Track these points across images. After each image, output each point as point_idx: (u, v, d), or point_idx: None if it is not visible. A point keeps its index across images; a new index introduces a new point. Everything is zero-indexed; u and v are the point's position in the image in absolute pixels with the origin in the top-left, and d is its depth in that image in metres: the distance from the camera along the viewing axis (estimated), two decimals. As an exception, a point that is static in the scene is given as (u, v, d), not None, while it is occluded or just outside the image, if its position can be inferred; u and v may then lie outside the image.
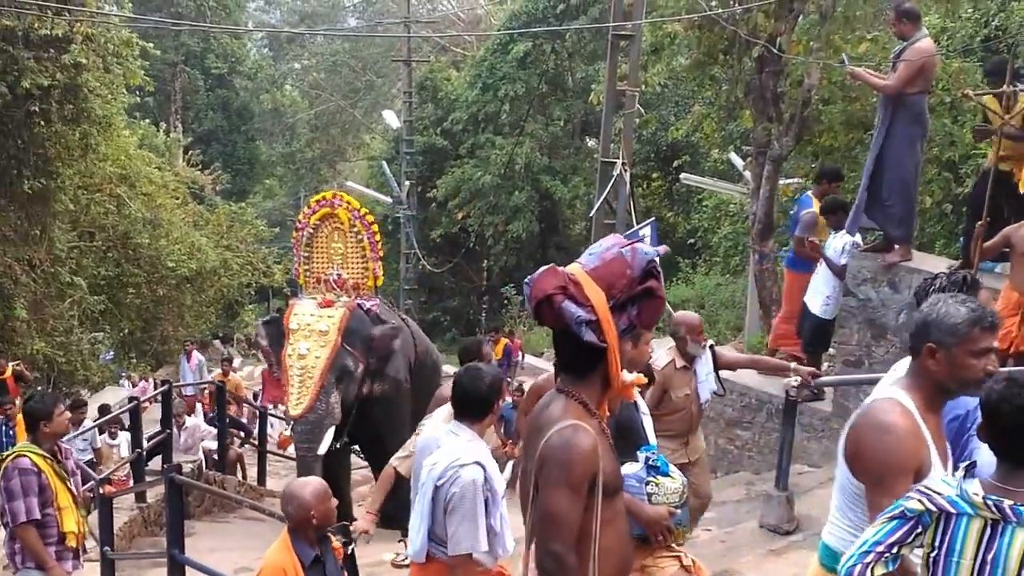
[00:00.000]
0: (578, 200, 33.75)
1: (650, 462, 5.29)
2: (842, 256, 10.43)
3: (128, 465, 13.76)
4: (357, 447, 13.08)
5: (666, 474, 5.31)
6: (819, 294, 10.73)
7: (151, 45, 21.17)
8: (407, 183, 34.57)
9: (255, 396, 20.91)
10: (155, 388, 18.44)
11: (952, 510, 3.33)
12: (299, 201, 53.77)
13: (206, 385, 18.96)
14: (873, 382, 5.04)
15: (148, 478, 12.22)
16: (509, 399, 13.75)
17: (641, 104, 17.81)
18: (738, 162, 20.95)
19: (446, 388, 7.20)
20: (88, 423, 14.46)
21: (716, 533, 8.76)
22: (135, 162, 23.75)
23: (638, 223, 15.66)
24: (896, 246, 9.94)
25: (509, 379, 18.20)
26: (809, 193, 11.65)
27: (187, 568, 7.47)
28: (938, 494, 3.37)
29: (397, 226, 36.03)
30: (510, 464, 8.15)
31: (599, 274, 3.74)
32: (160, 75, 39.24)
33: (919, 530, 3.39)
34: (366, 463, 13.67)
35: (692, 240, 26.68)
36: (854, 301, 10.20)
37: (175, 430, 14.52)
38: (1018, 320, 8.08)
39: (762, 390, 11.41)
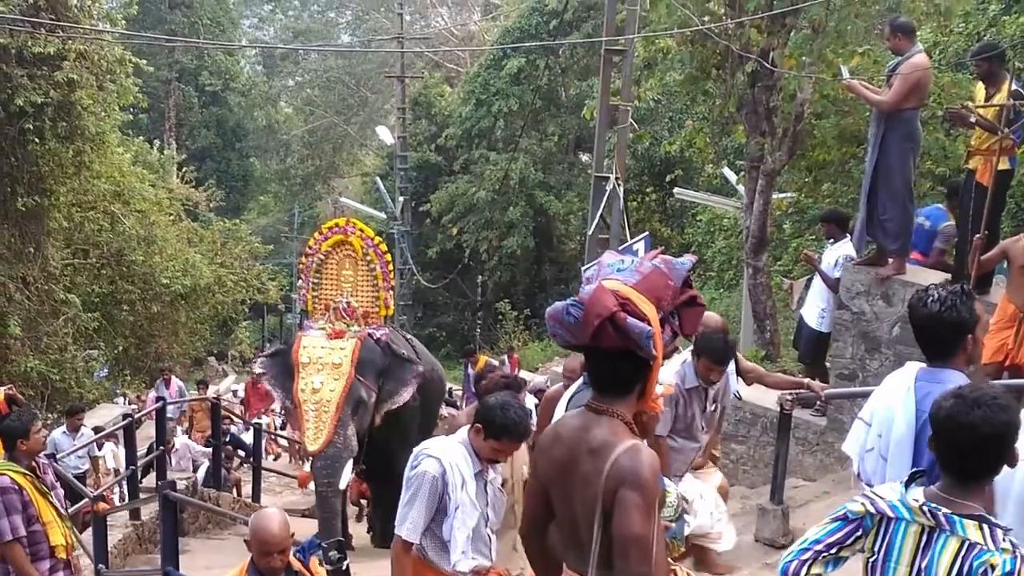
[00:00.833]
0: (572, 215, 33.76)
1: None
2: (835, 269, 10.44)
3: (114, 476, 13.78)
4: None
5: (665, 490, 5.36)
6: (815, 307, 10.77)
7: (144, 62, 21.19)
8: (401, 199, 34.56)
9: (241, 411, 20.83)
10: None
11: (891, 514, 3.35)
12: (293, 218, 53.81)
13: (187, 407, 19.04)
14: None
15: (142, 495, 12.19)
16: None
17: (635, 119, 17.83)
18: (732, 176, 20.98)
19: (461, 417, 7.29)
20: (88, 434, 14.48)
21: (711, 547, 8.74)
22: (129, 179, 23.74)
23: (632, 238, 15.66)
24: (890, 260, 9.95)
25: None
26: (940, 206, 11.49)
27: (182, 585, 7.44)
28: (881, 498, 3.39)
29: (391, 242, 35.95)
30: None
31: (644, 288, 3.74)
32: (154, 92, 39.28)
33: (859, 533, 3.42)
34: None
35: (687, 254, 26.71)
36: (848, 315, 10.20)
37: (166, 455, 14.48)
38: (1013, 333, 8.08)
39: (757, 404, 11.39)
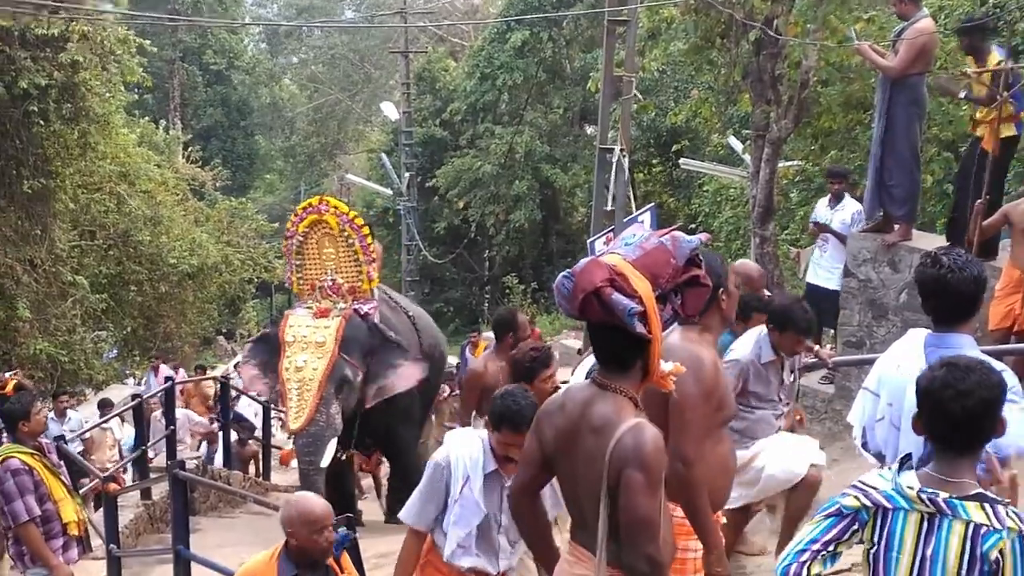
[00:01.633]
0: (578, 188, 33.72)
1: None
2: (852, 227, 10.42)
3: (118, 452, 13.82)
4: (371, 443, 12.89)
5: None
6: (833, 270, 10.67)
7: (148, 42, 21.14)
8: (407, 175, 34.53)
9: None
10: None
11: (888, 505, 3.29)
12: (299, 196, 53.72)
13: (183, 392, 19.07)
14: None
15: (152, 475, 12.22)
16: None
17: (639, 90, 17.77)
18: (737, 146, 20.91)
19: None
20: (75, 417, 14.54)
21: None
22: (134, 160, 23.71)
23: (638, 209, 15.63)
24: (896, 226, 9.91)
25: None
26: None
27: (193, 564, 7.45)
28: (874, 489, 3.33)
29: (398, 218, 36.00)
30: None
31: (643, 264, 3.73)
32: (158, 72, 39.19)
33: (855, 527, 3.35)
34: None
35: (693, 225, 26.63)
36: (854, 282, 10.17)
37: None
38: (1020, 298, 8.04)
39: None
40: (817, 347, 8.48)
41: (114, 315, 22.97)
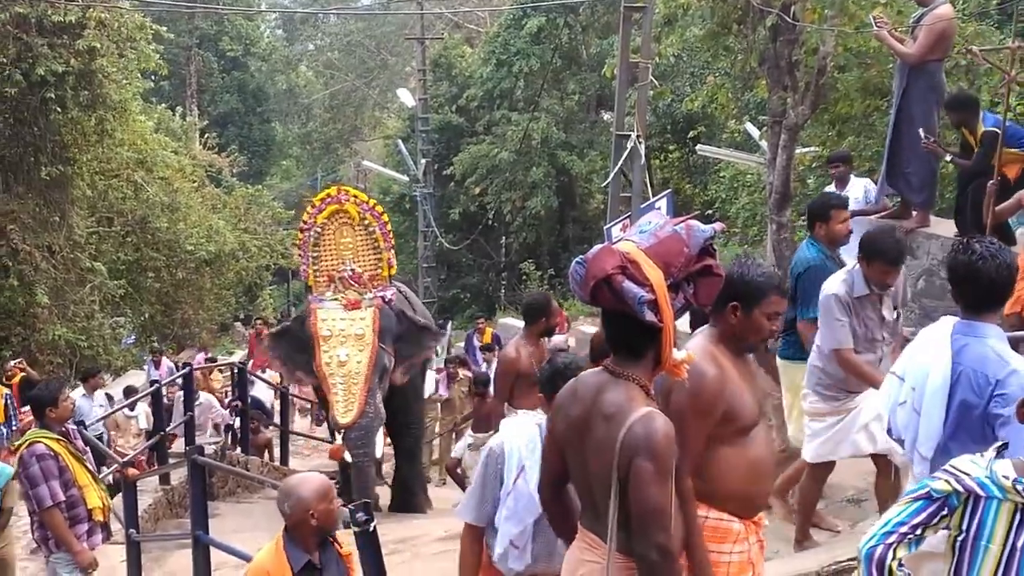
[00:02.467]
0: (595, 174, 33.61)
1: None
2: (868, 197, 10.37)
3: (145, 438, 13.89)
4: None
5: None
6: (850, 254, 10.63)
7: (164, 29, 21.23)
8: (423, 161, 34.50)
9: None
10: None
11: (981, 493, 3.25)
12: (316, 182, 53.78)
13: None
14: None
15: (171, 460, 12.28)
16: None
17: (655, 76, 17.74)
18: (754, 132, 20.84)
19: None
20: (101, 398, 14.63)
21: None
22: (152, 146, 23.78)
23: (654, 195, 15.61)
24: (914, 212, 9.88)
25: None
26: None
27: (212, 549, 7.49)
28: (966, 475, 3.28)
29: (414, 204, 36.00)
30: None
31: (656, 252, 3.73)
32: (175, 59, 39.27)
33: (945, 512, 3.31)
34: None
35: (710, 211, 26.57)
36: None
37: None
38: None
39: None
40: None
41: (132, 301, 23.08)
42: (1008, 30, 13.46)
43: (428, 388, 16.57)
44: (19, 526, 8.82)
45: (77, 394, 14.66)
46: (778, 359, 7.43)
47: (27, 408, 10.96)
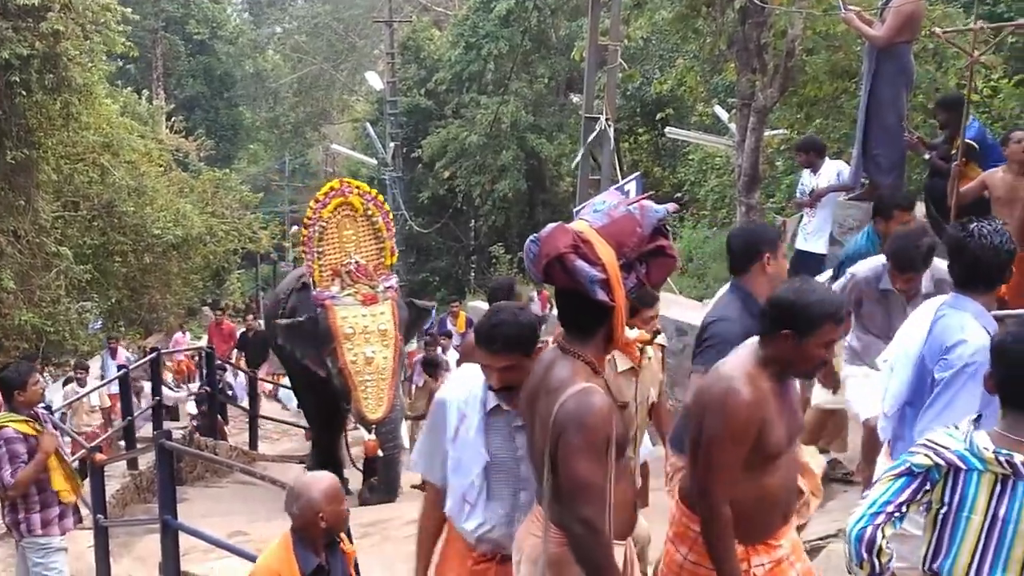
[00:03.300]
0: (564, 157, 33.61)
1: None
2: (841, 180, 10.38)
3: (100, 413, 13.82)
4: None
5: None
6: (821, 234, 10.62)
7: (130, 10, 20.99)
8: (392, 144, 34.45)
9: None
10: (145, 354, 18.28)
11: (962, 465, 3.28)
12: (284, 166, 53.58)
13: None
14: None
15: (139, 445, 12.23)
16: None
17: (625, 59, 17.73)
18: (723, 115, 20.89)
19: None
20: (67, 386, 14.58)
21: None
22: (118, 130, 23.53)
23: (624, 178, 15.62)
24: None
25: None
26: None
27: (181, 533, 7.46)
28: (945, 448, 3.32)
29: (383, 188, 35.89)
30: None
31: (609, 232, 3.75)
32: (141, 42, 38.89)
33: (927, 487, 3.35)
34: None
35: (679, 194, 26.64)
36: (840, 249, 10.18)
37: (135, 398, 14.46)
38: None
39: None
40: None
41: (99, 286, 22.89)
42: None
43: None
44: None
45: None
46: None
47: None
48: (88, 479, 9.06)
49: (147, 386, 15.18)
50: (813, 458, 5.02)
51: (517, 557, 3.99)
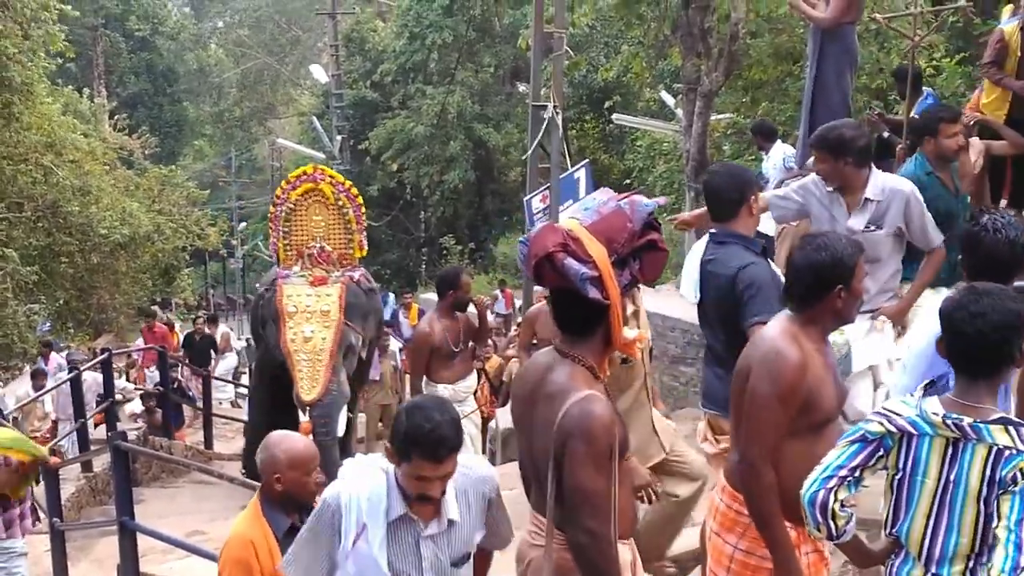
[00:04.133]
0: (512, 147, 33.67)
1: None
2: (787, 164, 10.47)
3: (50, 421, 13.67)
4: None
5: None
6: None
7: (69, 7, 20.76)
8: (339, 137, 34.27)
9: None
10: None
11: (913, 431, 3.34)
12: (230, 161, 53.21)
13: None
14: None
15: (93, 447, 12.11)
16: None
17: (570, 46, 17.71)
18: (669, 100, 20.98)
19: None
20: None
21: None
22: (60, 129, 23.28)
23: (572, 166, 15.64)
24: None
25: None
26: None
27: (138, 534, 7.40)
28: (898, 415, 3.38)
29: (331, 182, 35.72)
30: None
31: (598, 229, 3.70)
32: (81, 39, 38.47)
33: (881, 453, 3.40)
34: None
35: (628, 180, 26.73)
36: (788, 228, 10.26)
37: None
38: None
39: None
40: None
41: (46, 287, 22.64)
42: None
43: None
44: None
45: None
46: None
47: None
48: (42, 482, 8.98)
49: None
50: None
51: (521, 569, 3.97)
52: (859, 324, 5.59)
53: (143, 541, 7.55)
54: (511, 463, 11.73)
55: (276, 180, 36.78)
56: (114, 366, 15.29)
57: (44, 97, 22.87)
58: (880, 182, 5.73)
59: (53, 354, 19.25)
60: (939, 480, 3.31)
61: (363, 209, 11.57)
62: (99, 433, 13.49)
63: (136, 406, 16.54)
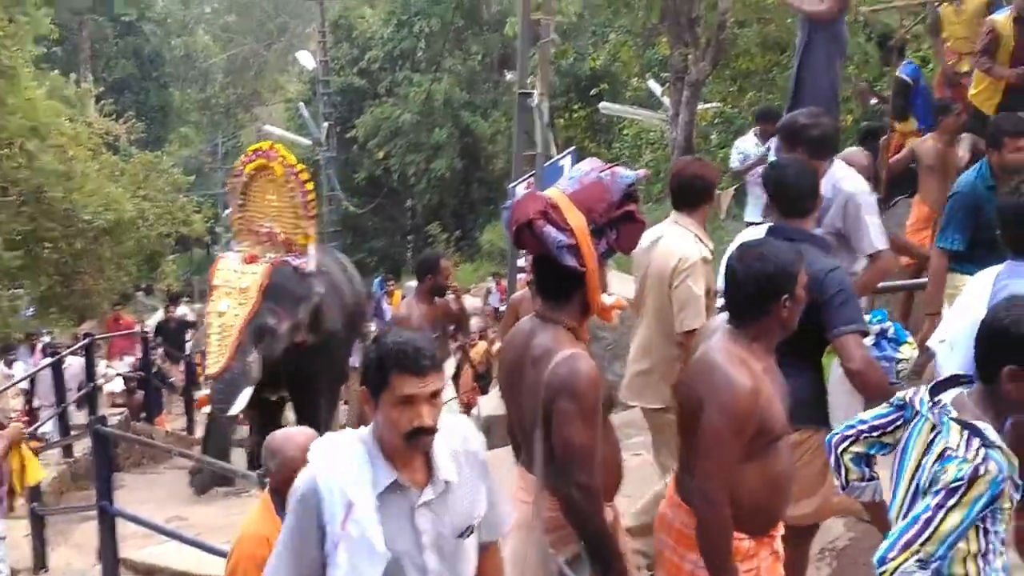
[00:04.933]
0: (499, 135, 33.62)
1: (887, 334, 4.67)
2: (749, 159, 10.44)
3: (23, 398, 13.63)
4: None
5: (905, 341, 4.70)
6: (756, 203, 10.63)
7: (55, -8, 20.67)
8: (326, 124, 34.20)
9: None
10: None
11: (917, 408, 3.38)
12: (216, 148, 53.06)
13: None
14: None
15: (73, 432, 12.08)
16: None
17: (558, 34, 17.71)
18: (657, 89, 20.97)
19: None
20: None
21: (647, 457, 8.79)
22: (45, 114, 23.16)
23: (559, 154, 15.62)
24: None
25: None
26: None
27: (118, 519, 7.38)
28: (916, 392, 3.43)
29: (318, 169, 35.62)
30: None
31: (579, 198, 3.82)
32: (66, 24, 38.28)
33: (900, 422, 3.46)
34: None
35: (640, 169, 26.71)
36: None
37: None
38: (929, 234, 8.13)
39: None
40: None
41: (29, 273, 22.56)
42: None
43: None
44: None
45: None
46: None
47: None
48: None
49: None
50: None
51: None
52: None
53: (123, 526, 7.54)
54: (495, 450, 11.73)
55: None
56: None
57: (29, 81, 22.75)
58: (833, 179, 5.54)
59: (39, 347, 19.24)
60: (917, 464, 3.31)
61: (311, 196, 11.38)
62: (81, 419, 13.45)
63: (116, 386, 16.45)
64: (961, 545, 3.18)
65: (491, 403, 11.97)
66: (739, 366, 3.67)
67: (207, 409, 10.76)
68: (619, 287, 6.01)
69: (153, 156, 30.38)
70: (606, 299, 3.91)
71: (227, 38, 54.78)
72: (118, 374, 17.39)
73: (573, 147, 17.36)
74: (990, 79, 8.52)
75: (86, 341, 13.91)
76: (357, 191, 36.73)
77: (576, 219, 3.74)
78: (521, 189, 14.72)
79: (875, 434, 3.50)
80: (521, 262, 14.28)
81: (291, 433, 4.81)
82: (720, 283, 4.54)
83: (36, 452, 9.07)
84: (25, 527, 8.99)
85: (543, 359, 3.71)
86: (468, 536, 3.29)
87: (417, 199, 37.15)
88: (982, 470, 3.06)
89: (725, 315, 3.93)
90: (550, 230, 3.70)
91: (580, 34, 28.28)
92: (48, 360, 13.43)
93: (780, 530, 3.97)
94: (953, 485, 3.08)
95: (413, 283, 21.64)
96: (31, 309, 23.86)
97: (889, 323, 4.66)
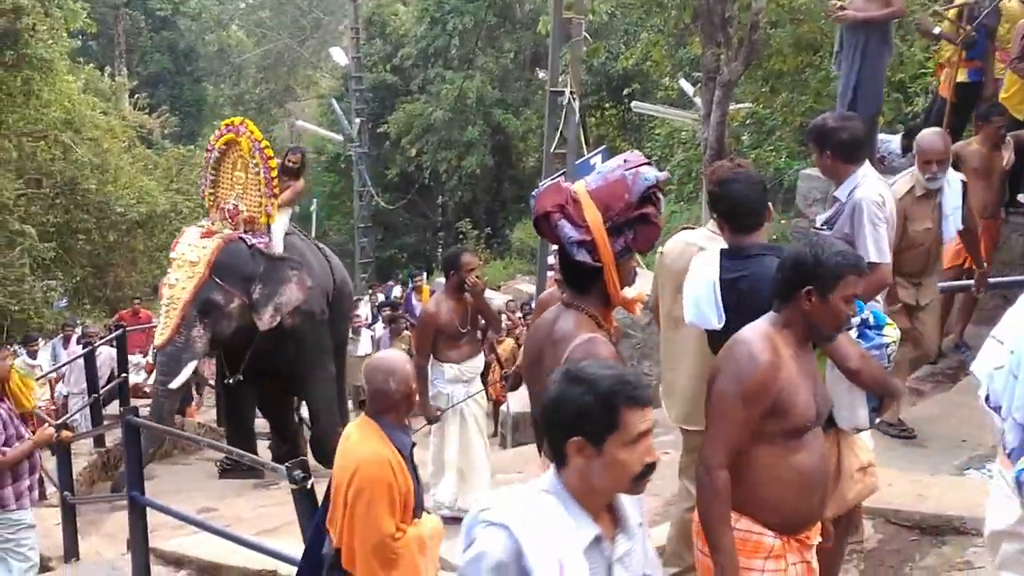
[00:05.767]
0: (531, 133, 33.62)
1: (868, 323, 4.56)
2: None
3: (48, 387, 13.74)
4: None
5: (885, 323, 4.61)
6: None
7: (91, -15, 20.82)
8: (358, 120, 34.25)
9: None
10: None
11: None
12: (249, 143, 53.15)
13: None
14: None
15: (106, 422, 12.17)
16: None
17: (590, 33, 17.71)
18: (689, 89, 20.94)
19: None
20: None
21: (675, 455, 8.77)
22: (80, 107, 23.36)
23: (590, 153, 15.64)
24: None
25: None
26: None
27: (149, 510, 7.44)
28: None
29: (350, 164, 35.76)
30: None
31: (599, 195, 3.87)
32: (102, 18, 38.54)
33: None
34: None
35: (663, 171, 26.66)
36: (804, 222, 10.24)
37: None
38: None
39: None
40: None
41: (63, 264, 22.76)
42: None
43: (364, 347, 16.53)
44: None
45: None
46: None
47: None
48: (54, 456, 9.04)
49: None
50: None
51: None
52: None
53: (153, 516, 7.59)
54: (521, 447, 11.76)
55: (294, 162, 36.72)
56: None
57: (64, 74, 22.95)
58: (853, 183, 5.51)
59: (74, 337, 19.33)
60: None
61: (274, 173, 11.25)
62: (112, 409, 13.55)
63: (141, 377, 16.50)
64: None
65: (518, 401, 11.99)
66: (763, 340, 3.66)
67: (151, 379, 10.84)
68: (646, 285, 5.93)
69: (186, 150, 30.53)
70: (628, 292, 3.94)
71: (261, 34, 54.93)
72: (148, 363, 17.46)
73: (604, 146, 17.34)
74: (1021, 83, 8.50)
75: (118, 332, 14.02)
76: (389, 187, 36.78)
77: (593, 215, 3.79)
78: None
79: None
80: (551, 259, 14.29)
81: (395, 353, 5.08)
82: None
83: (68, 442, 9.18)
84: (56, 516, 9.07)
85: (562, 342, 3.76)
86: None
87: (448, 196, 37.19)
88: None
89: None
90: (564, 224, 3.79)
91: (612, 33, 28.25)
92: (82, 350, 13.47)
93: (815, 539, 3.86)
94: None
95: (443, 279, 21.77)
96: (64, 300, 24.03)
97: (867, 311, 4.56)
